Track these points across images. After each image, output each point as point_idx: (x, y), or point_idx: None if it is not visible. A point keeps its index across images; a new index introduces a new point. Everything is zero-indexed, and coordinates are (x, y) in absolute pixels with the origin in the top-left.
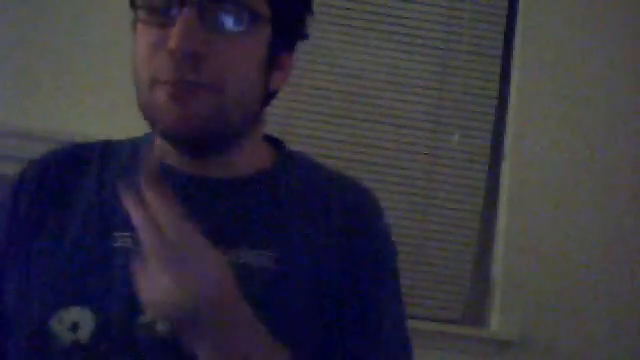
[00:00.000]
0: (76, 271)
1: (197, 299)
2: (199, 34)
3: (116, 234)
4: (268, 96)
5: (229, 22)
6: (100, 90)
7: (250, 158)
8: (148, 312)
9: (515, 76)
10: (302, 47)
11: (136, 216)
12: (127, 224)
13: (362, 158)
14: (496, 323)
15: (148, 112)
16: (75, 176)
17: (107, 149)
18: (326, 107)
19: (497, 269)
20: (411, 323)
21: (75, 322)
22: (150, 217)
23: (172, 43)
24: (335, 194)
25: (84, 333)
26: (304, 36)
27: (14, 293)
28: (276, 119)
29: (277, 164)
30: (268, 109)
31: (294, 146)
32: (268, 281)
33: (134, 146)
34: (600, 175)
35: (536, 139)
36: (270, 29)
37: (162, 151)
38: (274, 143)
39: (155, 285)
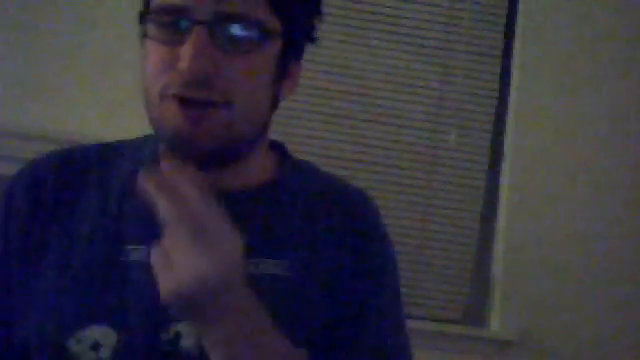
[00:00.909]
0: (90, 288)
1: (221, 276)
2: (210, 54)
3: (129, 247)
4: (276, 104)
5: (240, 40)
6: (100, 90)
7: (258, 167)
8: (166, 297)
9: (515, 76)
10: None
11: (158, 196)
12: (139, 236)
13: (362, 158)
14: (496, 323)
15: (158, 127)
16: (73, 185)
17: (104, 154)
18: (326, 107)
19: (497, 269)
20: (411, 323)
21: (96, 341)
22: (173, 194)
23: (183, 64)
24: (339, 202)
25: (106, 352)
26: (313, 40)
27: (24, 314)
28: (276, 119)
29: (283, 173)
30: None
31: (294, 146)
32: (286, 289)
33: (135, 151)
34: (600, 175)
35: (536, 139)
36: (280, 41)
37: (167, 160)
38: (276, 148)
39: (181, 262)
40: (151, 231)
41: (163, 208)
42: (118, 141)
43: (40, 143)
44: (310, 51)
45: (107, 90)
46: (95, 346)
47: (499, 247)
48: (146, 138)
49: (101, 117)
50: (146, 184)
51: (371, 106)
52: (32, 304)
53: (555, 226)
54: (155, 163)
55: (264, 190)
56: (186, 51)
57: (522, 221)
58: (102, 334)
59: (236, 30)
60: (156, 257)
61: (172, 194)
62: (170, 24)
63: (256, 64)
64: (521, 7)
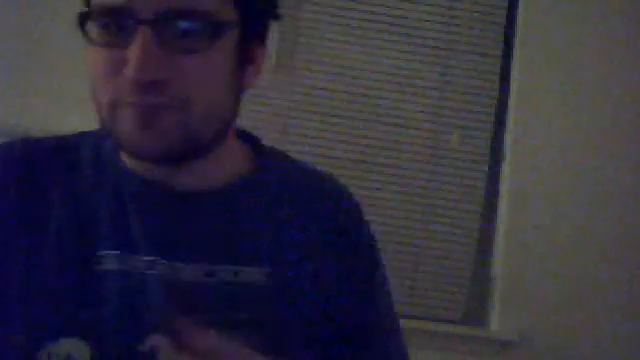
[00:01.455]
0: (61, 298)
1: None
2: (158, 55)
3: (101, 253)
4: (241, 94)
5: (190, 38)
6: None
7: (227, 162)
8: None
9: (515, 76)
10: (302, 47)
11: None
12: (110, 240)
13: (362, 158)
14: (496, 323)
15: (111, 134)
16: (35, 181)
17: (62, 148)
18: (326, 107)
19: (497, 269)
20: (411, 323)
21: (69, 354)
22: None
23: (130, 71)
24: (319, 199)
25: None
26: (276, 17)
27: None
28: (276, 119)
29: (256, 168)
30: (268, 109)
31: (294, 146)
32: (262, 297)
33: (95, 146)
34: (600, 175)
35: (536, 139)
36: (238, 30)
37: (129, 158)
38: (246, 139)
39: None
40: (123, 234)
41: None
42: (73, 134)
43: None
44: (310, 51)
45: None
46: None
47: (499, 247)
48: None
49: None
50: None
51: (371, 106)
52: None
53: (555, 226)
54: (115, 154)
55: (235, 189)
56: (132, 55)
57: (522, 221)
58: (74, 347)
59: (185, 27)
60: None
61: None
62: (112, 25)
63: (211, 60)
64: (521, 7)
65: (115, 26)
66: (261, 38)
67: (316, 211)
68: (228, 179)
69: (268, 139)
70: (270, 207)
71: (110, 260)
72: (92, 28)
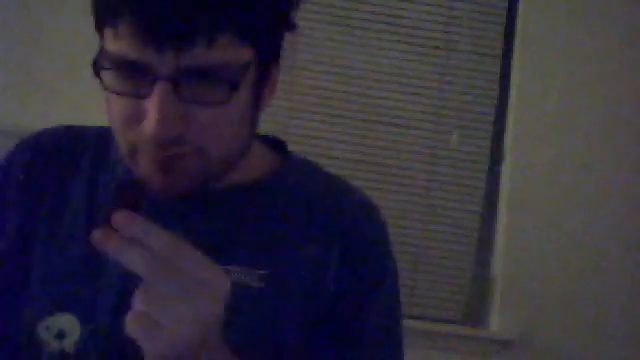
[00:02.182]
0: (64, 276)
1: (207, 331)
2: (177, 111)
3: None
4: (258, 116)
5: (210, 93)
6: (101, 90)
7: (245, 167)
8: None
9: (515, 76)
10: (302, 47)
11: (121, 252)
12: None
13: (362, 158)
14: (496, 323)
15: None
16: (69, 166)
17: (100, 139)
18: (326, 107)
19: (497, 269)
20: (411, 323)
21: (61, 330)
22: (138, 245)
23: (149, 128)
24: (338, 210)
25: (69, 342)
26: (291, 28)
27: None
28: (276, 119)
29: (276, 173)
30: (268, 109)
31: (294, 146)
32: (256, 300)
33: (101, 140)
34: (600, 175)
35: (536, 139)
36: (255, 66)
37: None
38: (274, 143)
39: (168, 323)
40: None
41: (131, 264)
42: (80, 126)
43: None
44: (310, 51)
45: None
46: (60, 335)
47: (499, 247)
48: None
49: (101, 117)
50: (102, 243)
51: (371, 106)
52: (11, 284)
53: (555, 226)
54: (117, 153)
55: (249, 189)
56: (150, 110)
57: (522, 221)
58: (67, 323)
59: (204, 83)
60: (136, 323)
61: (136, 246)
62: (130, 77)
63: (230, 110)
64: (521, 7)
65: (132, 78)
66: (276, 57)
67: (332, 224)
68: (242, 180)
69: None
70: (282, 212)
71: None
72: (107, 75)
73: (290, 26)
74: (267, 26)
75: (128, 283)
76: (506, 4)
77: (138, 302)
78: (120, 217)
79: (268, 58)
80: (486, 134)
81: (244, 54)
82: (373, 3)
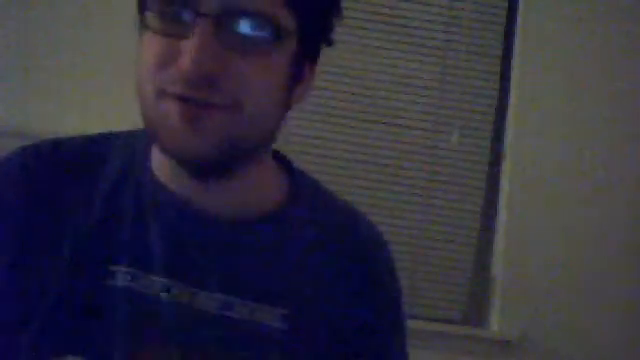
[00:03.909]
0: (70, 311)
1: None
2: (216, 51)
3: (113, 268)
4: (287, 110)
5: (250, 38)
6: (100, 90)
7: (260, 187)
8: None
9: (515, 76)
10: None
11: None
12: (125, 253)
13: (362, 158)
14: (496, 323)
15: (153, 128)
16: (61, 184)
17: (91, 150)
18: (326, 107)
19: (497, 269)
20: (411, 323)
21: None
22: None
23: (185, 62)
24: (350, 242)
25: None
26: (330, 42)
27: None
28: None
29: (289, 198)
30: None
31: (294, 147)
32: (277, 343)
33: (123, 149)
34: (600, 175)
35: (536, 139)
36: (295, 42)
37: (158, 165)
38: (281, 161)
39: None
40: (139, 251)
41: None
42: (102, 135)
43: None
44: None
45: (108, 90)
46: None
47: (499, 247)
48: (133, 133)
49: (102, 117)
50: None
51: (371, 106)
52: (11, 320)
53: (555, 226)
54: (145, 162)
55: (265, 221)
56: (188, 46)
57: (522, 221)
58: None
59: (246, 27)
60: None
61: None
62: (172, 15)
63: (268, 65)
64: (521, 7)
65: (175, 15)
66: (313, 58)
67: (345, 257)
68: (258, 208)
69: None
70: (298, 247)
71: (121, 276)
72: (150, 14)
73: (336, 11)
74: (313, 5)
75: (135, 321)
76: (506, 4)
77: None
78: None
79: (307, 46)
80: (486, 134)
81: (287, 20)
82: (373, 3)
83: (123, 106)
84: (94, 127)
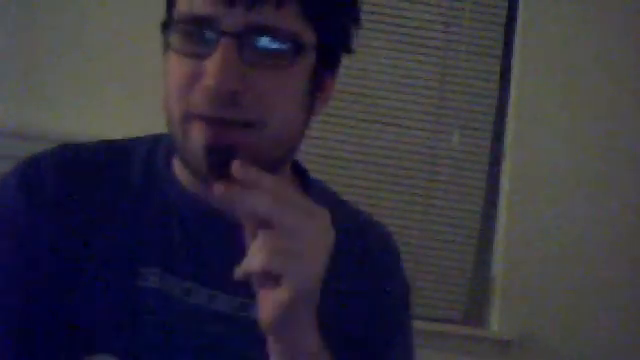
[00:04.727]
0: (101, 310)
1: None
2: (238, 69)
3: (142, 270)
4: (309, 122)
5: (272, 54)
6: (100, 90)
7: None
8: (276, 314)
9: (515, 76)
10: None
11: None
12: (153, 256)
13: (362, 158)
14: (496, 323)
15: (182, 150)
16: (80, 190)
17: (112, 155)
18: (327, 107)
19: (497, 269)
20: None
21: None
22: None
23: (209, 80)
24: (362, 242)
25: None
26: (349, 51)
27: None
28: None
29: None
30: None
31: None
32: None
33: (144, 154)
34: (600, 175)
35: (536, 139)
36: (315, 54)
37: (180, 171)
38: (298, 169)
39: (290, 271)
40: (165, 253)
41: (258, 204)
42: (123, 140)
43: (40, 143)
44: None
45: (108, 90)
46: None
47: (499, 247)
48: (155, 138)
49: (102, 117)
50: (224, 194)
51: (371, 106)
52: (44, 321)
53: (555, 226)
54: (169, 167)
55: None
56: (212, 65)
57: (522, 221)
58: None
59: (267, 43)
60: (280, 256)
61: (256, 190)
62: (195, 35)
63: (289, 80)
64: (521, 7)
65: (198, 36)
66: (333, 69)
67: (355, 256)
68: None
69: None
70: None
71: (150, 278)
72: (174, 35)
73: (355, 20)
74: (331, 11)
75: (162, 322)
76: (506, 4)
77: (268, 240)
78: (237, 166)
79: (327, 57)
80: (486, 134)
81: (308, 35)
82: (373, 3)
83: (123, 106)
84: (94, 128)
